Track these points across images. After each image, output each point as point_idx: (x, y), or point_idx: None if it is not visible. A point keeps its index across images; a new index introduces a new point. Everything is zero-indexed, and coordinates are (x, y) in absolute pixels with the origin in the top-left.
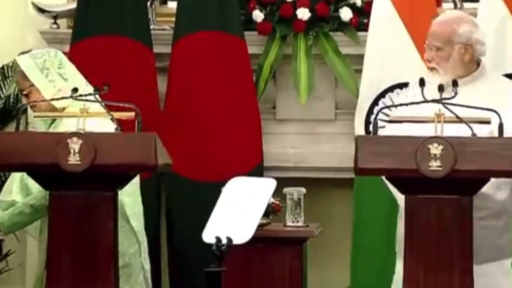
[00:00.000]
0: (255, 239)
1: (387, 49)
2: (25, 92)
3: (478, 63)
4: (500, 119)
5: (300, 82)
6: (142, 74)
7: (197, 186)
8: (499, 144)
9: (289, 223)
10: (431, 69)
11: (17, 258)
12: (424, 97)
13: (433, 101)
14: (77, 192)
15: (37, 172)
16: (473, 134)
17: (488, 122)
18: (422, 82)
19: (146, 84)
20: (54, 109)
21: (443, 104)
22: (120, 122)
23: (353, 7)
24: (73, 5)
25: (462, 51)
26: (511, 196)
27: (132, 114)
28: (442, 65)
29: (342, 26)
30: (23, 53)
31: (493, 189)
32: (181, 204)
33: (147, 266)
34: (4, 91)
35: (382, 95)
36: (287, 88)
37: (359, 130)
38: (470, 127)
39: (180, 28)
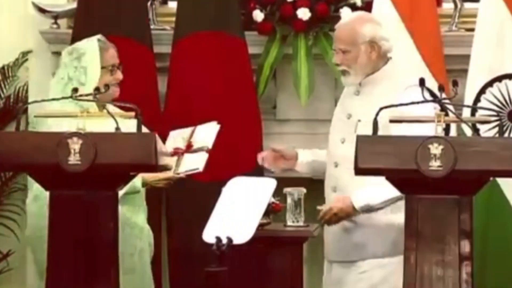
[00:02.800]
0: (255, 239)
1: None
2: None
3: (387, 59)
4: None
5: (301, 82)
6: (143, 74)
7: (197, 186)
8: (500, 144)
9: (289, 223)
10: (342, 72)
11: (17, 258)
12: (424, 97)
13: (433, 101)
14: (78, 192)
15: (37, 172)
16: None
17: (488, 122)
18: (422, 82)
19: (146, 84)
20: None
21: (441, 104)
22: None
23: (353, 7)
24: (74, 5)
25: (368, 50)
26: None
27: (133, 114)
28: (352, 66)
29: None
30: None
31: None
32: (181, 204)
33: None
34: (4, 91)
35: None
36: (287, 88)
37: None
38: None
39: (180, 28)
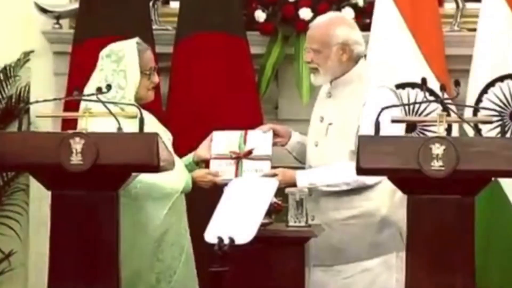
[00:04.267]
0: (257, 239)
1: (389, 49)
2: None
3: (357, 62)
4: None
5: (302, 82)
6: None
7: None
8: (501, 144)
9: (291, 223)
10: (312, 70)
11: (19, 258)
12: (426, 97)
13: (435, 101)
14: (79, 192)
15: (39, 172)
16: (477, 134)
17: (490, 122)
18: (423, 82)
19: None
20: None
21: (443, 104)
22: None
23: (355, 7)
24: (76, 5)
25: (339, 52)
26: (385, 192)
27: (134, 113)
28: (321, 66)
29: None
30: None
31: (362, 188)
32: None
33: None
34: (6, 91)
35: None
36: (289, 88)
37: None
38: (472, 127)
39: (182, 28)
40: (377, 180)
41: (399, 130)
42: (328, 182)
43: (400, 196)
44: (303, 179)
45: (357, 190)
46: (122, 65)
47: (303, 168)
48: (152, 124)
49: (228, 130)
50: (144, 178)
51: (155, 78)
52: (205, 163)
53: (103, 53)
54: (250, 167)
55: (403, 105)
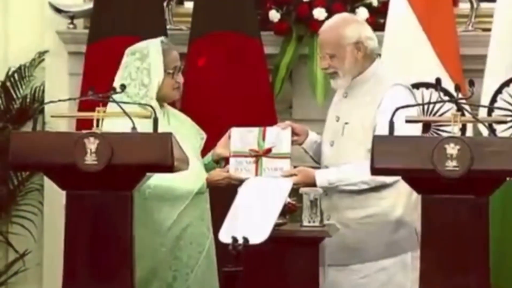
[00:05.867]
0: (271, 239)
1: (403, 49)
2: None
3: (373, 58)
4: None
5: (317, 82)
6: None
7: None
8: None
9: (305, 223)
10: (331, 75)
11: (34, 258)
12: (440, 97)
13: (449, 101)
14: (94, 192)
15: (53, 172)
16: (491, 133)
17: (505, 122)
18: (438, 82)
19: None
20: None
21: (458, 104)
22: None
23: (369, 7)
24: (90, 5)
25: (355, 51)
26: (401, 192)
27: (149, 113)
28: (339, 68)
29: None
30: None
31: (380, 187)
32: None
33: None
34: (21, 91)
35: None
36: (303, 88)
37: None
38: (486, 127)
39: (196, 28)
40: (396, 179)
41: (416, 129)
42: (348, 181)
43: (416, 197)
44: (323, 179)
45: (373, 189)
46: (146, 63)
47: (319, 167)
48: (181, 124)
49: (245, 127)
50: (159, 180)
51: (180, 78)
52: (225, 160)
53: (128, 50)
54: (270, 165)
55: (418, 105)
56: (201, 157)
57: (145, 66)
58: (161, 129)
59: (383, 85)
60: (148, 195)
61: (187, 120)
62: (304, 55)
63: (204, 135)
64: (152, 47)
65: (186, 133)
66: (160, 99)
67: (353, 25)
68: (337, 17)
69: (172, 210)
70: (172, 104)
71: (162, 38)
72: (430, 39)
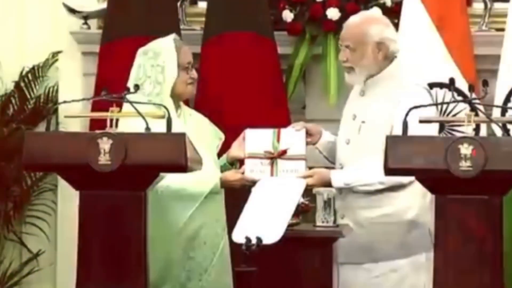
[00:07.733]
0: (284, 239)
1: (417, 49)
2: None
3: (392, 60)
4: None
5: (330, 82)
6: None
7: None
8: None
9: (318, 223)
10: (348, 69)
11: (47, 258)
12: (454, 97)
13: (463, 101)
14: (107, 192)
15: (67, 172)
16: (505, 134)
17: None
18: (452, 82)
19: None
20: None
21: (471, 104)
22: None
23: (382, 7)
24: (104, 6)
25: (375, 51)
26: (416, 193)
27: (162, 113)
28: (357, 64)
29: None
30: None
31: (396, 187)
32: None
33: None
34: (34, 91)
35: None
36: (317, 88)
37: None
38: (500, 127)
39: (209, 29)
40: (412, 179)
41: (433, 130)
42: (364, 181)
43: (431, 198)
44: (338, 179)
45: (388, 189)
46: (159, 61)
47: (333, 168)
48: (198, 124)
49: (260, 128)
50: (172, 180)
51: (194, 73)
52: (240, 162)
53: (140, 50)
54: (286, 167)
55: (431, 105)
56: (217, 158)
57: (159, 63)
58: (177, 129)
59: (401, 85)
60: (160, 195)
61: (205, 120)
62: (317, 55)
63: (222, 136)
64: (165, 45)
65: (202, 133)
66: (175, 97)
67: (379, 24)
68: (365, 13)
69: (184, 210)
70: (186, 104)
71: (174, 35)
72: (444, 39)
